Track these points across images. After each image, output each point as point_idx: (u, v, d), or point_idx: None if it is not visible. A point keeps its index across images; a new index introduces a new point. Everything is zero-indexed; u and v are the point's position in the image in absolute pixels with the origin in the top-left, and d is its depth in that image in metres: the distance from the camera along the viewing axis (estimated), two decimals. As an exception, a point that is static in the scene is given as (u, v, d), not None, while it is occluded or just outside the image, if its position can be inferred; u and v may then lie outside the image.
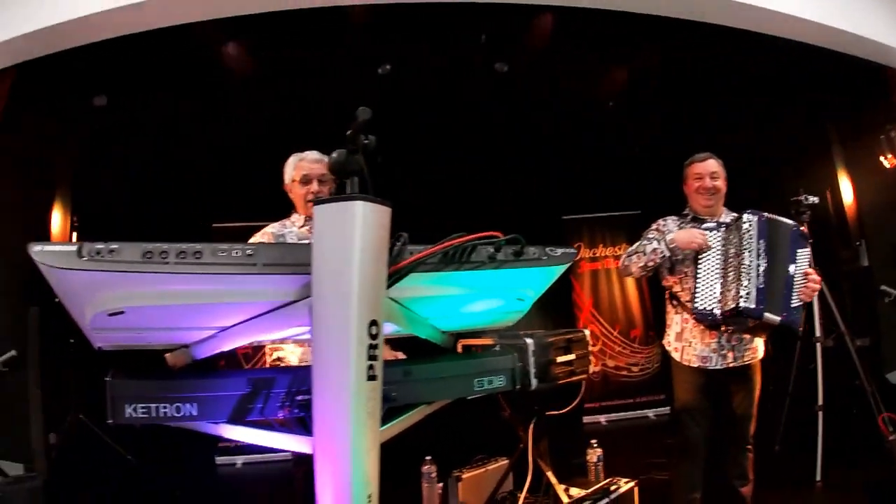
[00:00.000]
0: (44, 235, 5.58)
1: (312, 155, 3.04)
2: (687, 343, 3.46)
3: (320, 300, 1.30)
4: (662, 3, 4.47)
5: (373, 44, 5.24)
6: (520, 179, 6.63)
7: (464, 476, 3.77)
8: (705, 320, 3.30)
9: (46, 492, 3.94)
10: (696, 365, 3.42)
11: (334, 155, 1.33)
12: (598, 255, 7.34)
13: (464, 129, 6.20)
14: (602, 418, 6.84)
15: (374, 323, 1.31)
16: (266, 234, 3.01)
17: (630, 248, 3.54)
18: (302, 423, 1.62)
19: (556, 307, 6.42)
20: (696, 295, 3.32)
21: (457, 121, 6.09)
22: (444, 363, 1.87)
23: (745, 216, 3.24)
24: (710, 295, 3.28)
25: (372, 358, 1.32)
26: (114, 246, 1.25)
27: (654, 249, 3.37)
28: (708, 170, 3.50)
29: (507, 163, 6.56)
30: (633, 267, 3.45)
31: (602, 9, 4.49)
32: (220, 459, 6.06)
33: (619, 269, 3.64)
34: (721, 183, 3.51)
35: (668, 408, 6.93)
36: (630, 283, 7.24)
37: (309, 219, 3.01)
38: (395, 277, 1.40)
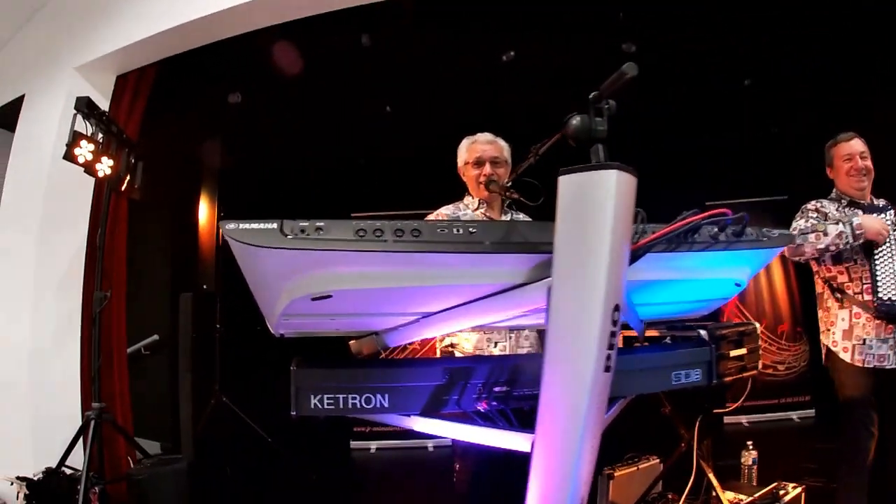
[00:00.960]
0: (192, 226, 5.77)
1: (485, 136, 2.98)
2: (859, 341, 3.13)
3: (563, 282, 1.12)
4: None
5: (497, 30, 5.16)
6: (660, 164, 6.32)
7: (616, 474, 3.61)
8: (888, 311, 3.01)
9: (190, 474, 4.02)
10: (871, 365, 3.10)
11: (575, 120, 1.16)
12: (741, 243, 6.79)
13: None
14: (744, 419, 6.39)
15: (616, 308, 1.13)
16: (440, 215, 2.92)
17: (800, 226, 3.18)
18: (503, 416, 1.49)
19: (699, 300, 6.07)
20: (878, 285, 3.04)
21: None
22: (644, 355, 1.74)
23: None
24: (893, 283, 3.02)
25: (610, 347, 1.16)
26: (320, 223, 1.12)
27: (840, 233, 3.03)
28: (857, 149, 3.27)
29: (647, 148, 6.25)
30: (809, 248, 3.11)
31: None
32: (354, 444, 6.09)
33: (787, 251, 3.25)
34: (871, 163, 3.26)
35: (812, 410, 6.51)
36: (778, 274, 6.72)
37: (483, 202, 2.93)
38: (635, 256, 1.20)
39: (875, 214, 3.10)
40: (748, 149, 6.54)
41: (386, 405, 1.39)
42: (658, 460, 3.85)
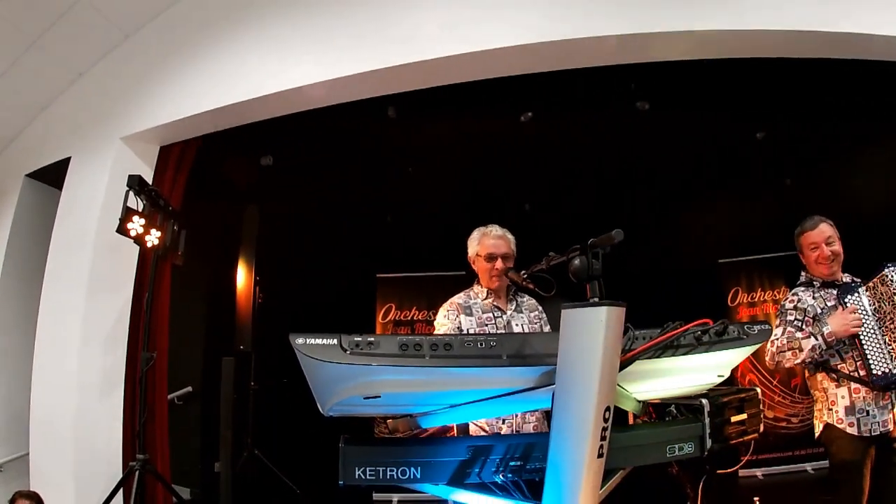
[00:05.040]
0: (230, 289, 6.10)
1: (495, 232, 3.22)
2: (863, 413, 3.22)
3: (564, 390, 1.42)
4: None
5: (515, 91, 5.27)
6: (673, 223, 6.51)
7: (626, 536, 3.74)
8: (885, 383, 3.14)
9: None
10: (877, 433, 3.20)
11: (576, 262, 1.45)
12: (756, 299, 6.95)
13: (612, 172, 6.19)
14: (758, 472, 6.44)
15: (608, 409, 1.40)
16: (454, 304, 3.19)
17: (777, 341, 3.31)
18: (517, 487, 1.73)
19: (715, 355, 6.14)
20: (870, 363, 3.17)
21: (604, 164, 6.10)
22: (641, 431, 1.95)
23: (888, 270, 3.18)
24: (883, 357, 3.15)
25: (603, 439, 1.43)
26: (371, 338, 1.43)
27: (813, 346, 3.20)
28: (823, 236, 3.35)
29: (659, 206, 6.46)
30: (788, 363, 3.28)
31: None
32: (377, 496, 6.22)
33: (769, 363, 3.39)
34: (838, 246, 3.37)
35: (827, 461, 6.51)
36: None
37: (491, 291, 3.20)
38: (623, 366, 1.48)
39: (848, 295, 3.26)
40: (760, 204, 6.68)
41: (418, 476, 1.67)
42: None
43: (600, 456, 1.44)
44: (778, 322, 3.44)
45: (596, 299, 1.42)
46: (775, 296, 6.91)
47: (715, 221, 6.64)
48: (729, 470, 3.59)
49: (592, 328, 1.36)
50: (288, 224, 6.58)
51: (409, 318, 6.91)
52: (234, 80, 4.61)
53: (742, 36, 4.11)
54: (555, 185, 6.31)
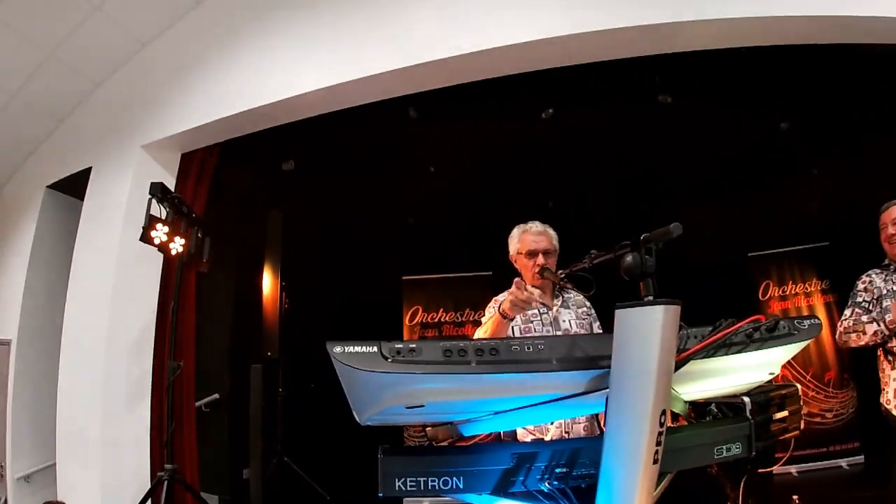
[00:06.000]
0: (256, 295, 6.07)
1: (536, 228, 3.14)
2: None
3: (619, 394, 1.35)
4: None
5: (536, 87, 5.19)
6: (701, 216, 6.41)
7: (667, 537, 3.66)
8: None
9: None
10: None
11: (629, 259, 1.38)
12: (787, 293, 6.80)
13: (635, 166, 6.11)
14: (793, 469, 6.30)
15: (663, 412, 1.33)
16: (498, 301, 3.07)
17: (845, 321, 3.43)
18: (564, 494, 1.66)
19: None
20: None
21: (628, 158, 6.02)
22: (689, 433, 1.86)
23: None
24: None
25: (658, 444, 1.36)
26: (412, 345, 1.36)
27: (875, 332, 3.29)
28: (891, 217, 3.42)
29: (684, 200, 6.37)
30: (853, 344, 3.40)
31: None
32: (407, 501, 6.13)
33: (837, 342, 3.53)
34: None
35: (861, 456, 6.44)
36: (823, 322, 6.69)
37: (535, 288, 3.08)
38: (678, 366, 1.41)
39: None
40: (788, 195, 6.58)
41: (461, 486, 1.59)
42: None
43: (655, 462, 1.37)
44: (849, 302, 3.52)
45: (650, 298, 1.35)
46: (807, 289, 6.77)
47: (742, 215, 6.56)
48: (768, 469, 3.50)
49: (648, 328, 1.29)
50: (311, 228, 6.57)
51: (436, 320, 6.84)
52: (252, 85, 4.57)
53: (771, 22, 3.99)
54: (578, 181, 6.24)
